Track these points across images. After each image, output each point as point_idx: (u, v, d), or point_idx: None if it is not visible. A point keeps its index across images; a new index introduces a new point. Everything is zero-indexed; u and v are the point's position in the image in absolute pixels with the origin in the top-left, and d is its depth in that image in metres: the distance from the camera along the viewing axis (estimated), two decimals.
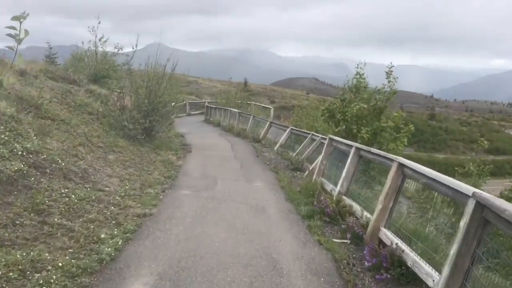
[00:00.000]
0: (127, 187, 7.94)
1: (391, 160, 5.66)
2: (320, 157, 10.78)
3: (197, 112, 37.10)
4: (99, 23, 25.22)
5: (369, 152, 6.65)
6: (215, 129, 23.41)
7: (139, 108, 13.14)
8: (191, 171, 10.65)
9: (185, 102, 38.04)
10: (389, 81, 11.45)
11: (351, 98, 12.01)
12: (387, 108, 11.50)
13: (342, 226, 6.04)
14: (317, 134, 13.50)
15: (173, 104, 18.40)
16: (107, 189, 7.47)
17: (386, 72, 11.43)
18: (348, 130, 11.56)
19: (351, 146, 7.55)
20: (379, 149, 11.04)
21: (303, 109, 20.48)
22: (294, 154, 14.40)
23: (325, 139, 12.20)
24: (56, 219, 5.42)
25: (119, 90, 14.20)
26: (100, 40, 25.96)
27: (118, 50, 26.71)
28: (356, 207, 6.51)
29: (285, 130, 16.46)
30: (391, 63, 11.44)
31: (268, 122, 18.14)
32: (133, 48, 24.13)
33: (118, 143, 11.22)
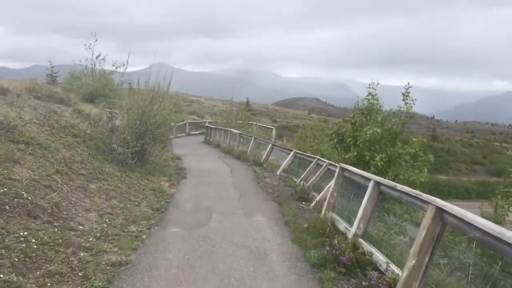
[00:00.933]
0: (105, 224, 6.79)
1: (425, 202, 4.52)
2: (330, 188, 9.67)
3: (197, 132, 36.11)
4: (96, 40, 24.43)
5: (394, 189, 5.50)
6: (214, 151, 22.29)
7: (130, 130, 12.08)
8: (183, 201, 9.50)
9: (185, 122, 37.09)
10: (405, 103, 10.37)
11: (363, 121, 10.91)
12: (403, 132, 10.38)
13: (363, 283, 4.85)
14: (323, 159, 12.38)
15: (172, 124, 17.38)
16: (81, 228, 6.33)
17: (402, 94, 10.36)
18: (359, 156, 10.43)
19: (369, 179, 6.40)
20: (394, 179, 9.92)
21: (307, 130, 19.23)
22: (299, 180, 13.26)
23: (333, 165, 11.10)
24: (2, 275, 4.28)
25: (109, 110, 13.16)
26: (97, 58, 25.21)
27: (116, 68, 25.92)
28: (379, 257, 5.34)
29: (288, 154, 15.35)
30: (408, 83, 10.34)
31: (270, 145, 17.05)
32: (123, 65, 23.15)
33: (105, 168, 10.12)
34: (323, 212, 8.12)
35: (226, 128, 23.77)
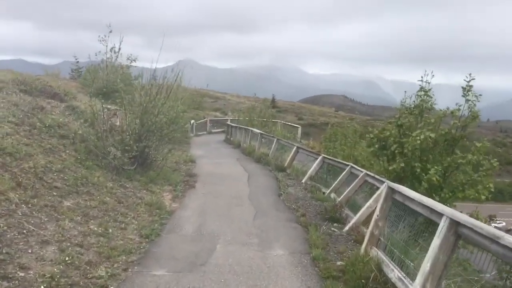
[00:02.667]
0: (64, 264, 4.92)
1: None
2: (369, 208, 7.59)
3: (219, 130, 34.25)
4: (111, 32, 22.85)
5: (492, 240, 3.39)
6: (233, 152, 20.35)
7: (130, 130, 10.27)
8: (184, 222, 7.58)
9: (206, 119, 35.37)
10: (467, 100, 8.16)
11: (411, 123, 8.72)
12: (464, 138, 8.16)
13: None
14: (358, 168, 10.28)
15: (182, 123, 15.51)
16: (21, 275, 4.46)
17: (463, 88, 8.15)
18: (407, 168, 8.27)
19: (440, 213, 4.30)
20: (452, 196, 7.74)
21: (337, 130, 16.70)
22: (328, 191, 11.20)
23: (371, 177, 8.97)
24: None
25: (108, 106, 11.38)
26: (111, 50, 23.64)
27: (131, 61, 24.27)
28: None
29: (316, 158, 13.28)
30: (469, 74, 8.11)
31: (295, 147, 14.97)
32: (137, 59, 21.51)
33: (93, 178, 8.32)
34: (363, 246, 6.05)
35: (247, 127, 21.78)
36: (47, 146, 8.36)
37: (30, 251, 4.94)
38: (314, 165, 12.98)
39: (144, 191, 9.36)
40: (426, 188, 7.75)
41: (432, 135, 7.85)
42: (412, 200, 5.25)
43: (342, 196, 9.69)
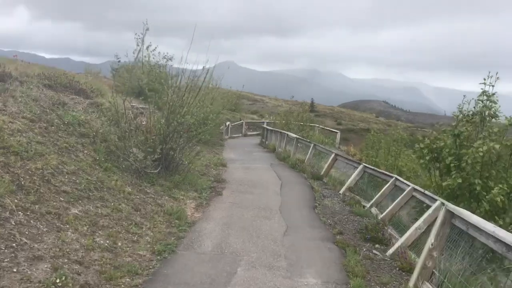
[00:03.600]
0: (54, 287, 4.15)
1: None
2: (428, 240, 6.48)
3: (255, 133, 33.38)
4: (147, 29, 22.52)
5: None
6: (268, 156, 19.41)
7: (156, 131, 9.56)
8: (204, 237, 6.71)
9: (242, 121, 34.62)
10: None
11: (470, 132, 7.51)
12: None
13: None
14: (404, 181, 9.15)
15: (211, 125, 14.76)
16: None
17: None
18: (465, 185, 7.07)
19: None
20: None
21: (380, 137, 15.24)
22: (369, 205, 10.11)
23: (420, 192, 7.82)
24: None
25: (133, 104, 10.73)
26: (147, 48, 23.28)
27: (167, 60, 23.83)
28: None
29: (356, 167, 12.17)
30: None
31: (333, 154, 13.87)
32: (172, 58, 20.97)
33: (110, 181, 7.63)
34: (413, 280, 5.00)
35: (283, 131, 20.78)
36: (63, 145, 7.73)
37: (15, 269, 4.20)
38: (354, 174, 11.88)
39: (166, 197, 8.59)
40: (487, 210, 6.56)
41: (497, 146, 6.65)
42: (480, 230, 4.16)
43: (385, 213, 8.59)
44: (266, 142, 24.75)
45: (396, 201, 8.52)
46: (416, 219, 7.06)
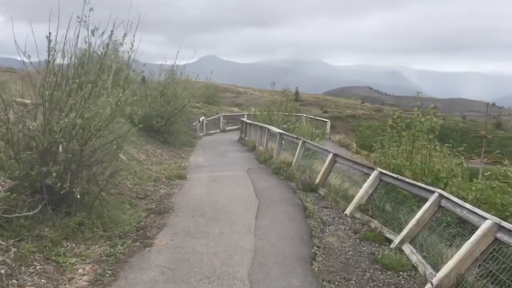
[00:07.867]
0: None
1: None
2: None
3: (235, 127, 29.21)
4: (91, 10, 18.46)
5: None
6: (246, 157, 15.35)
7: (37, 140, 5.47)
8: None
9: (219, 115, 30.50)
10: None
11: None
12: None
13: None
14: (457, 200, 5.35)
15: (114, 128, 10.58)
16: None
17: None
18: None
19: None
20: None
21: (398, 125, 10.00)
22: (398, 239, 6.26)
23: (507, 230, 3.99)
24: None
25: (18, 100, 6.59)
26: (92, 32, 19.08)
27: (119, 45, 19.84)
28: None
29: (368, 174, 8.27)
30: None
31: (331, 155, 9.87)
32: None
33: None
34: None
35: (263, 125, 16.68)
36: None
37: None
38: (365, 186, 7.97)
39: (39, 266, 4.57)
40: None
41: None
42: None
43: (445, 267, 4.70)
44: (246, 138, 20.74)
45: (468, 245, 4.63)
46: None
